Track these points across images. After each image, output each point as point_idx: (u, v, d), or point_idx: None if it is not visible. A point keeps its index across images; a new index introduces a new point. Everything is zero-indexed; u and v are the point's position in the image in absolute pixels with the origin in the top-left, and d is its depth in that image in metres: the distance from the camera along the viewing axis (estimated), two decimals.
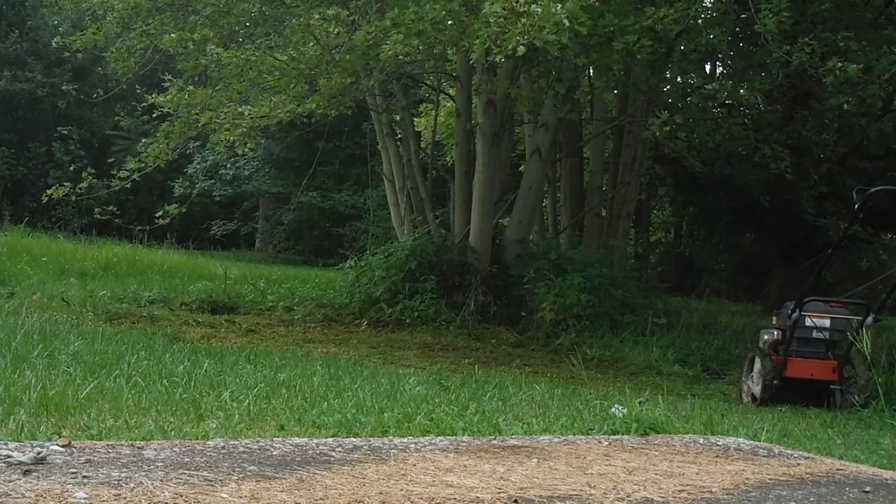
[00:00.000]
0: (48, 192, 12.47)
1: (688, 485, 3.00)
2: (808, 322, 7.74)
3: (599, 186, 14.22)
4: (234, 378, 5.39)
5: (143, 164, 12.59)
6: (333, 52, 11.06)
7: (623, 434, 4.12)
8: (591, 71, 12.80)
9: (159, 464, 2.69)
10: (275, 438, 3.37)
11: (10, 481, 2.35)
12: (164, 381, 4.89)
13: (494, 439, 3.73)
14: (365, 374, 6.48)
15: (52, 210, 24.72)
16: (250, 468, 2.74)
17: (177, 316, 10.54)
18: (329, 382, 5.65)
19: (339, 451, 3.12)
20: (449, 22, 8.87)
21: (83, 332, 7.20)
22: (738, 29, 13.05)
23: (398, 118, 13.27)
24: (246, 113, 12.64)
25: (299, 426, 3.90)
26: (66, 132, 28.82)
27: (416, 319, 10.98)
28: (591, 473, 3.08)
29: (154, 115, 16.46)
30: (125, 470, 2.57)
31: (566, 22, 7.26)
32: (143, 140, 13.99)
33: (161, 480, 2.48)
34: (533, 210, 12.66)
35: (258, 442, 3.21)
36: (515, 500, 2.62)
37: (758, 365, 7.82)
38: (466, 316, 11.16)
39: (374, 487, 2.62)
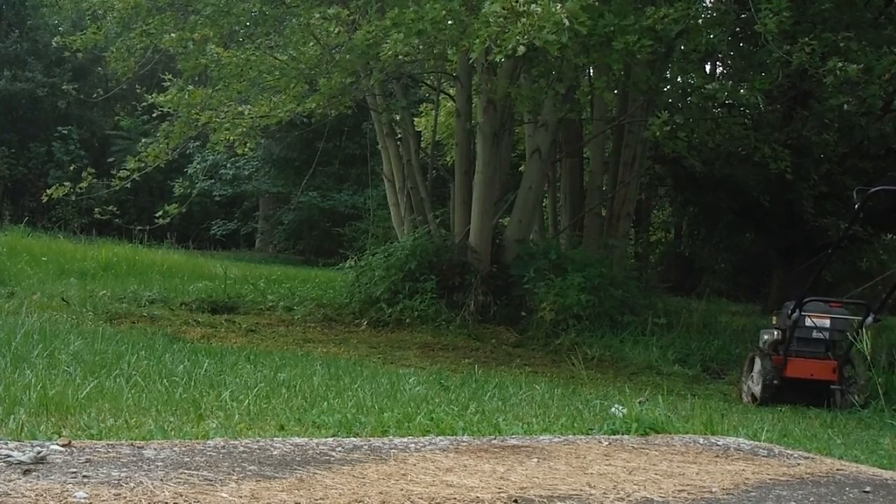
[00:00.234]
0: (48, 191, 12.48)
1: (688, 485, 3.00)
2: (808, 322, 7.74)
3: (599, 186, 14.21)
4: (234, 378, 5.39)
5: (143, 164, 12.59)
6: (333, 51, 11.07)
7: (623, 434, 4.12)
8: (591, 71, 12.80)
9: (159, 463, 2.69)
10: (275, 438, 3.36)
11: (10, 481, 2.35)
12: (164, 380, 4.89)
13: (494, 439, 3.73)
14: (365, 374, 6.48)
15: (52, 210, 24.71)
16: (250, 468, 2.74)
17: (177, 316, 10.54)
18: (329, 382, 5.65)
19: (339, 451, 3.12)
20: (449, 21, 8.86)
21: (83, 332, 7.20)
22: (738, 29, 13.04)
23: (398, 118, 13.27)
24: (246, 112, 12.66)
25: (299, 426, 3.90)
26: (66, 132, 28.82)
27: (416, 319, 10.98)
28: (591, 473, 3.08)
29: (154, 115, 16.47)
30: (125, 469, 2.57)
31: (566, 22, 7.26)
32: (143, 140, 14.00)
33: (161, 480, 2.48)
34: (533, 210, 12.66)
35: (258, 442, 3.21)
36: (515, 500, 2.62)
37: (758, 365, 7.82)
38: (466, 316, 11.16)
39: (374, 487, 2.62)
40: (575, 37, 8.05)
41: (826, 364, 7.71)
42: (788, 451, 4.00)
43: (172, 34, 11.28)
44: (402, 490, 2.61)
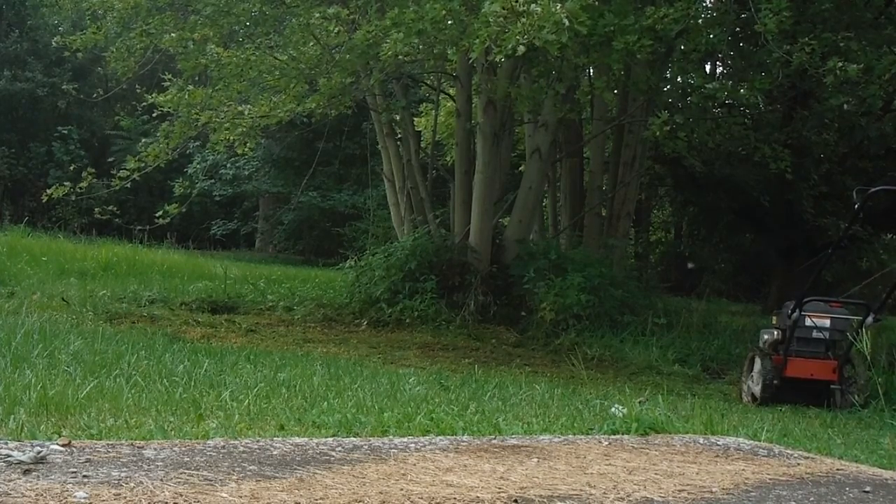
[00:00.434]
0: (48, 191, 12.47)
1: (688, 484, 3.00)
2: (808, 322, 7.74)
3: (599, 186, 14.21)
4: (234, 378, 5.39)
5: (143, 164, 12.58)
6: (333, 51, 11.06)
7: (623, 434, 4.12)
8: (591, 71, 12.80)
9: (159, 463, 2.69)
10: (275, 438, 3.36)
11: (10, 481, 2.35)
12: (164, 380, 4.89)
13: (494, 439, 3.73)
14: (365, 374, 6.48)
15: (52, 210, 24.70)
16: (250, 468, 2.74)
17: (177, 316, 10.54)
18: (329, 382, 5.65)
19: (339, 451, 3.12)
20: (449, 21, 8.86)
21: (83, 332, 7.20)
22: (738, 29, 13.04)
23: (398, 118, 13.27)
24: (246, 112, 12.65)
25: (299, 426, 3.90)
26: (66, 132, 28.81)
27: (416, 319, 10.97)
28: (591, 473, 3.08)
29: (154, 115, 16.46)
30: (125, 469, 2.57)
31: (566, 21, 7.25)
32: (143, 140, 14.00)
33: (161, 480, 2.48)
34: (533, 210, 12.66)
35: (258, 442, 3.21)
36: (515, 500, 2.62)
37: (758, 365, 7.82)
38: (466, 316, 11.16)
39: (374, 487, 2.62)
40: (575, 37, 8.05)
41: (826, 364, 7.70)
42: (788, 451, 4.00)
43: (172, 34, 11.28)
44: (402, 490, 2.61)
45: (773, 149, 13.08)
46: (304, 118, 15.34)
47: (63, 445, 2.81)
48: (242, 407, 4.25)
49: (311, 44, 11.46)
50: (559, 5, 7.27)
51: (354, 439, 3.50)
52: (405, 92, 14.08)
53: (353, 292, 11.96)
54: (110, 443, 2.98)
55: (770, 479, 3.23)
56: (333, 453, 3.07)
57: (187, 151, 19.25)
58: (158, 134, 13.03)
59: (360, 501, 2.46)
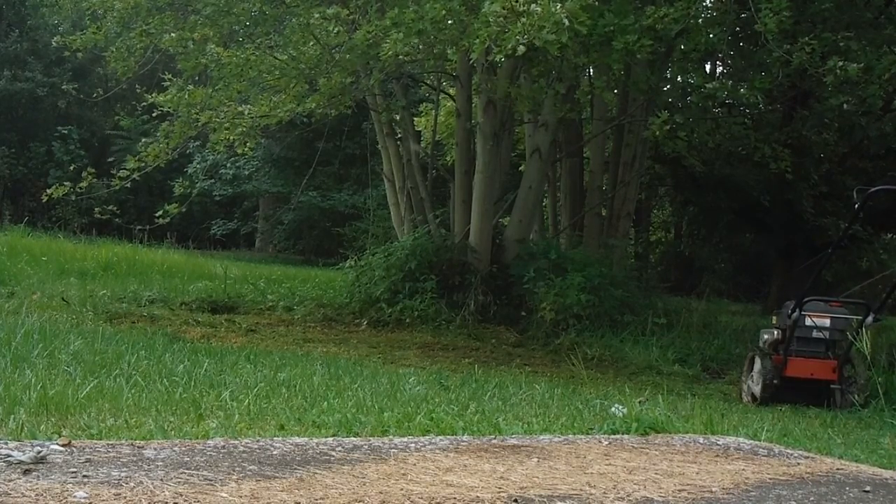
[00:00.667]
0: (48, 191, 12.47)
1: (688, 484, 3.00)
2: (808, 322, 7.74)
3: (599, 186, 14.21)
4: (234, 378, 5.39)
5: (143, 164, 12.58)
6: (333, 51, 11.05)
7: (623, 434, 4.12)
8: (591, 71, 12.80)
9: (159, 463, 2.69)
10: (275, 438, 3.36)
11: (10, 481, 2.35)
12: (164, 380, 4.89)
13: (494, 439, 3.72)
14: (365, 374, 6.48)
15: (52, 210, 24.70)
16: (250, 467, 2.74)
17: (177, 316, 10.54)
18: (329, 382, 5.65)
19: (339, 451, 3.12)
20: (449, 21, 8.85)
21: (83, 332, 7.20)
22: (738, 28, 13.05)
23: (398, 118, 13.27)
24: (246, 112, 12.65)
25: (299, 426, 3.90)
26: (66, 132, 28.82)
27: (416, 319, 10.97)
28: (591, 473, 3.08)
29: (154, 115, 16.43)
30: (125, 469, 2.57)
31: (566, 21, 7.26)
32: (143, 140, 13.97)
33: (161, 480, 2.48)
34: (533, 210, 12.66)
35: (258, 441, 3.20)
36: (515, 500, 2.62)
37: (758, 364, 7.82)
38: (466, 316, 11.15)
39: (374, 487, 2.62)
40: (575, 37, 8.05)
41: (826, 364, 7.70)
42: (788, 451, 4.00)
43: (172, 34, 11.27)
44: (402, 490, 2.61)
45: (773, 149, 13.09)
46: (304, 118, 15.34)
47: (63, 445, 2.81)
48: (242, 407, 4.25)
49: (311, 44, 11.45)
50: (559, 5, 7.28)
51: (354, 439, 3.50)
52: (405, 92, 14.09)
53: (353, 292, 11.96)
54: (110, 443, 2.98)
55: (770, 478, 3.23)
56: (333, 453, 3.07)
57: (187, 151, 19.24)
58: (158, 134, 13.03)
59: (360, 501, 2.46)
